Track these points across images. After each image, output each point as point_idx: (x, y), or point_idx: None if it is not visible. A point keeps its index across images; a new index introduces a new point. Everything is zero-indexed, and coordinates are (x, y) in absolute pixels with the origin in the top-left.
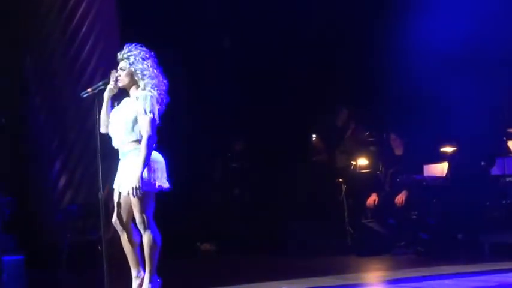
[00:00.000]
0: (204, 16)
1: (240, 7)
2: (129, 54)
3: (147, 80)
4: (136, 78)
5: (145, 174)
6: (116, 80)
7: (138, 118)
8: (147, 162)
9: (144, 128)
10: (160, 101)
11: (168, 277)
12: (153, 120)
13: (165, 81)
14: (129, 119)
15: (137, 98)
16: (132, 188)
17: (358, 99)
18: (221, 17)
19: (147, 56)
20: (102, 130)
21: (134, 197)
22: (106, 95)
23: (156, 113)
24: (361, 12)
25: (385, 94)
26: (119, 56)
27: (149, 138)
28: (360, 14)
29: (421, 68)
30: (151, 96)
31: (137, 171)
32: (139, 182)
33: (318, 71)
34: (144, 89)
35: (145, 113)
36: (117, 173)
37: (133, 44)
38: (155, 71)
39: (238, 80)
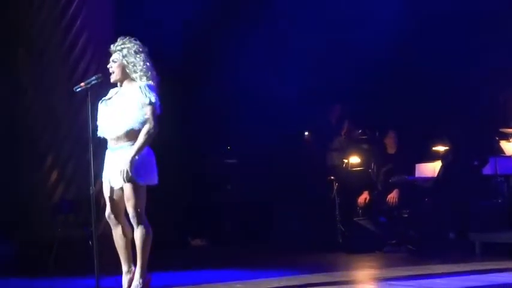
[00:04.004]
0: (199, 14)
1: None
2: (122, 46)
3: (140, 73)
4: (127, 71)
5: (138, 169)
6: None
7: (143, 109)
8: (142, 149)
9: (149, 118)
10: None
11: (159, 272)
12: (156, 110)
13: (156, 75)
14: (127, 112)
15: (140, 87)
16: (121, 171)
17: (352, 96)
18: (215, 16)
19: (140, 49)
20: None
21: (124, 181)
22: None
23: (157, 101)
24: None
25: (379, 92)
26: (112, 47)
27: (152, 128)
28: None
29: (415, 68)
30: (151, 86)
31: (130, 155)
32: (131, 166)
33: (311, 67)
34: (141, 80)
35: (149, 103)
36: (106, 165)
37: (127, 37)
38: (147, 64)
39: (232, 74)
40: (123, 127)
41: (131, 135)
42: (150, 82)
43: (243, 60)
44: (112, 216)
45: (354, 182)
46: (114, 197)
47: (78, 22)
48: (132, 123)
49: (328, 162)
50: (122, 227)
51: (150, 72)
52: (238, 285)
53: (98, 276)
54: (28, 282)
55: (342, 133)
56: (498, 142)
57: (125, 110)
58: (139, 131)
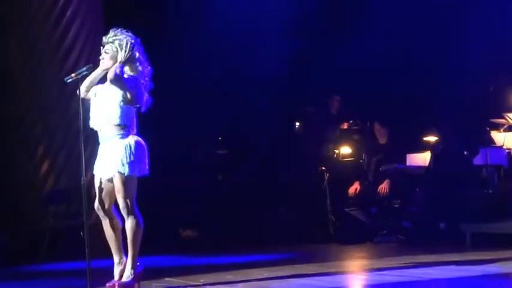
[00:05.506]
0: (191, 7)
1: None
2: (114, 38)
3: (129, 65)
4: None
5: (129, 159)
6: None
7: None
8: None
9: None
10: (143, 87)
11: (150, 263)
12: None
13: (149, 67)
14: (114, 105)
15: None
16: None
17: (342, 88)
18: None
19: (133, 41)
20: (82, 94)
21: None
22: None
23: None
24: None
25: (369, 83)
26: (104, 39)
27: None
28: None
29: (405, 58)
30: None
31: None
32: (117, 68)
33: (301, 62)
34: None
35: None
36: (97, 157)
37: (120, 29)
38: (138, 57)
39: (222, 65)
40: (111, 120)
41: (120, 127)
42: (134, 74)
43: (234, 53)
44: (100, 207)
45: (345, 173)
46: (104, 188)
47: (69, 12)
48: (119, 117)
49: (323, 152)
50: (111, 218)
51: (140, 65)
52: (229, 276)
53: (89, 266)
54: (20, 271)
55: (343, 127)
56: (489, 132)
57: (112, 103)
58: (125, 124)
